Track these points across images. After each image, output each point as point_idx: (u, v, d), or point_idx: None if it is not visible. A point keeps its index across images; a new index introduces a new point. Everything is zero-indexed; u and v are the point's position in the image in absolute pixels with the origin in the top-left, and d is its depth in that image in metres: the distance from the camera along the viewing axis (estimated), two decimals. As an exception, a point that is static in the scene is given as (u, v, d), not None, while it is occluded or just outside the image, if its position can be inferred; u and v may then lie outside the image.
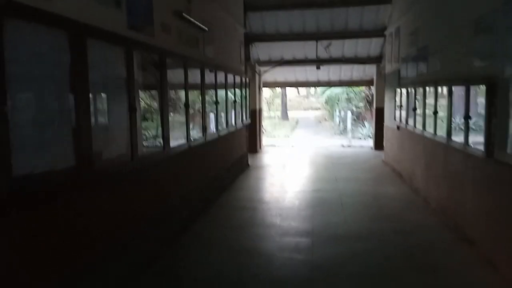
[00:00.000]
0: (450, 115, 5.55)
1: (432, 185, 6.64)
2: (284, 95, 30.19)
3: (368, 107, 19.41)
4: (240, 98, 9.35)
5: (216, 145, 7.28)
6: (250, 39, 11.51)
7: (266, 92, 33.08)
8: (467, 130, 4.87)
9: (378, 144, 13.41)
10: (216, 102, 6.93)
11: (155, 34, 4.53)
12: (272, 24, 11.32)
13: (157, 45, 4.58)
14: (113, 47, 3.71)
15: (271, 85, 15.59)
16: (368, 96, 19.38)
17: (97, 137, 3.33)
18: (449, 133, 5.59)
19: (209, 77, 6.85)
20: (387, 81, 10.93)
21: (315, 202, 7.08)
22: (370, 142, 15.33)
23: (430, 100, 6.72)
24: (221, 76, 7.60)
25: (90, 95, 3.21)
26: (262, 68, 13.43)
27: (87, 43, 3.08)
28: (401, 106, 8.86)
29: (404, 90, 8.66)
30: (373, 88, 14.96)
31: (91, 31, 3.19)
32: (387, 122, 10.82)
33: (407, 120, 8.21)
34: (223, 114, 7.73)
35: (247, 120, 10.20)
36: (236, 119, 8.74)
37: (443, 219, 5.80)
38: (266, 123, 21.46)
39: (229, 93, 8.32)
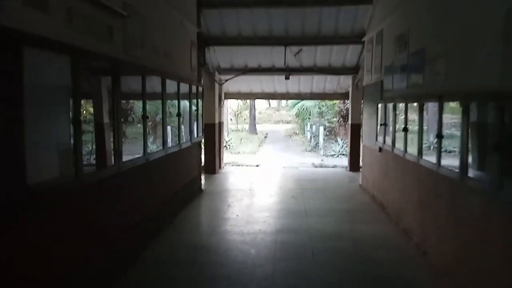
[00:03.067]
0: (466, 141, 3.93)
1: (431, 230, 5.01)
2: (252, 107, 28.51)
3: (342, 122, 17.98)
4: (189, 111, 7.55)
5: (146, 173, 5.42)
6: (207, 41, 9.75)
7: (233, 103, 31.51)
8: (500, 164, 3.25)
9: (354, 165, 11.90)
10: (144, 117, 5.09)
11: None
12: (233, 25, 9.61)
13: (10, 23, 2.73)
14: None
15: (235, 96, 13.85)
16: (342, 111, 17.94)
17: None
18: (464, 166, 3.97)
19: (136, 83, 5.05)
20: (365, 95, 9.40)
21: (277, 251, 5.30)
22: (344, 161, 13.80)
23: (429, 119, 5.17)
24: (158, 83, 5.82)
25: None
26: (224, 77, 11.67)
27: None
28: (385, 124, 7.30)
29: (389, 105, 7.11)
30: (348, 102, 13.49)
31: None
32: (366, 141, 9.25)
33: (394, 142, 6.63)
34: (159, 132, 5.91)
35: (198, 137, 8.38)
36: (180, 137, 6.90)
37: (453, 284, 4.15)
38: (231, 138, 19.68)
39: (170, 104, 6.53)
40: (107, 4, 4.06)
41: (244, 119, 30.94)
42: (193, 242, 5.64)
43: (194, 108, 7.99)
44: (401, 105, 6.35)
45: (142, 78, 5.12)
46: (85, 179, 3.62)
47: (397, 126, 6.55)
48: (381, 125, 7.49)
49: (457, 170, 4.11)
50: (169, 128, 6.74)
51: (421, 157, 5.25)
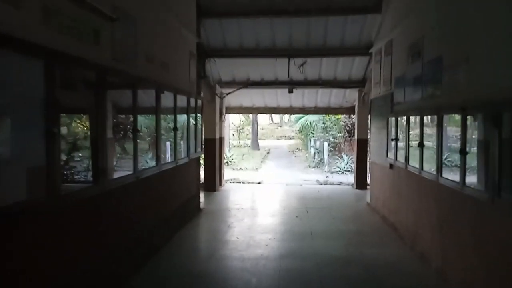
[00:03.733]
0: (498, 156, 3.43)
1: (453, 256, 4.47)
2: (255, 123, 28.07)
3: (348, 137, 17.44)
4: (186, 125, 7.08)
5: (136, 191, 4.93)
6: (208, 53, 9.36)
7: (235, 118, 31.13)
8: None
9: (360, 182, 11.38)
10: (135, 130, 4.62)
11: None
12: (235, 36, 9.23)
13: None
14: None
15: (236, 110, 13.41)
16: (347, 126, 17.42)
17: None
18: (495, 187, 3.46)
19: (126, 97, 4.61)
20: (373, 108, 8.93)
21: (281, 280, 4.75)
22: (350, 178, 13.28)
23: (449, 133, 4.68)
24: (152, 95, 5.38)
25: None
26: (225, 90, 11.26)
27: None
28: (396, 139, 6.80)
29: (401, 119, 6.63)
30: (354, 117, 13.04)
31: None
32: (375, 157, 8.74)
33: (408, 159, 6.12)
34: (152, 147, 5.44)
35: (197, 153, 7.90)
36: (177, 153, 6.42)
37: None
38: (233, 154, 19.19)
39: (166, 118, 6.09)
40: (93, 4, 3.64)
41: (247, 134, 30.49)
42: (188, 268, 5.10)
43: (192, 122, 7.54)
44: (415, 119, 5.87)
45: (133, 88, 4.67)
46: (58, 201, 3.13)
47: (410, 141, 6.06)
48: (392, 140, 6.99)
49: (483, 190, 3.61)
50: (168, 143, 6.32)
51: (441, 175, 4.74)
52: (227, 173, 13.48)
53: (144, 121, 5.64)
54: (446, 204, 4.72)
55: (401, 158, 6.55)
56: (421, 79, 5.64)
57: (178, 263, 5.29)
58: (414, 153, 5.92)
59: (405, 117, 6.33)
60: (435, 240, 5.06)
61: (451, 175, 4.55)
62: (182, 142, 7.05)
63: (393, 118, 7.08)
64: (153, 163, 5.44)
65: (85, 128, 4.16)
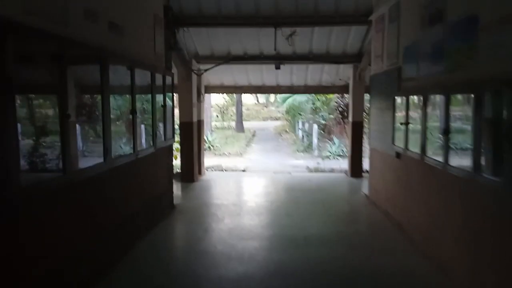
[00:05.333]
0: None
1: (488, 273, 3.34)
2: (239, 103, 26.60)
3: (341, 119, 16.19)
4: (151, 108, 5.75)
5: (72, 196, 3.63)
6: (179, 20, 7.89)
7: (219, 99, 29.66)
8: None
9: (355, 169, 10.25)
10: (63, 117, 3.28)
11: None
12: (212, 0, 7.79)
13: None
14: None
15: (217, 90, 11.98)
16: (340, 106, 16.12)
17: None
18: None
19: (53, 69, 3.26)
20: (374, 87, 7.68)
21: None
22: (342, 164, 12.16)
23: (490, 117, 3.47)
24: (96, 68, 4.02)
25: None
26: (203, 66, 9.85)
27: None
28: (407, 123, 5.59)
29: (413, 99, 5.41)
30: (348, 96, 11.79)
31: None
32: (376, 143, 7.55)
33: (425, 148, 4.92)
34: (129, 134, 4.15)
35: (167, 141, 6.58)
36: (136, 142, 5.08)
37: None
38: (215, 137, 17.85)
39: (121, 99, 4.76)
40: None
41: (231, 115, 29.07)
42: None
43: (160, 103, 6.20)
44: (439, 99, 4.65)
45: (60, 57, 3.30)
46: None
47: (428, 126, 4.86)
48: (401, 124, 5.78)
49: None
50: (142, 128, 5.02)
51: (481, 173, 3.55)
52: (209, 160, 12.21)
53: (87, 103, 4.32)
54: (487, 211, 3.56)
55: (413, 146, 5.36)
56: (444, 46, 4.40)
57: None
58: (434, 142, 4.74)
59: (420, 96, 5.11)
60: (461, 251, 3.94)
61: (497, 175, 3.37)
62: (145, 129, 5.75)
63: (402, 98, 5.86)
64: (99, 159, 4.12)
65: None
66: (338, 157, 14.05)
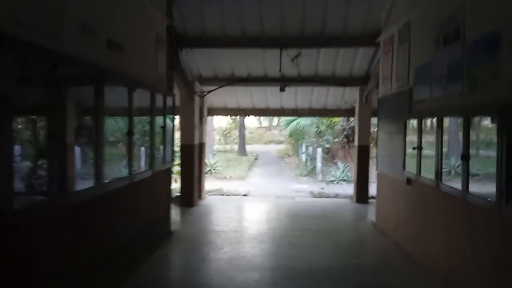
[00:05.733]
0: None
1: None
2: (242, 126, 26.38)
3: (346, 143, 15.86)
4: (150, 129, 5.47)
5: (59, 224, 3.29)
6: (183, 41, 7.73)
7: (222, 121, 29.47)
8: None
9: (361, 195, 9.87)
10: (50, 138, 2.99)
11: None
12: (216, 21, 7.61)
13: None
14: None
15: (219, 112, 11.76)
16: (345, 130, 15.81)
17: None
18: None
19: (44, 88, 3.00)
20: (382, 110, 7.41)
21: None
22: (347, 189, 11.79)
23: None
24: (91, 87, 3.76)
25: None
26: (206, 88, 9.64)
27: None
28: (419, 148, 5.28)
29: (426, 122, 5.13)
30: (353, 120, 11.52)
31: None
32: (384, 168, 7.22)
33: (440, 175, 4.59)
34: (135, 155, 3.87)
35: (165, 163, 6.27)
36: (131, 165, 4.76)
37: None
38: (217, 160, 17.54)
39: (117, 120, 4.49)
40: None
41: (234, 139, 28.79)
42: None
43: (160, 125, 5.94)
44: (457, 122, 4.36)
45: (52, 72, 3.04)
46: None
47: (444, 151, 4.55)
48: (413, 149, 5.47)
49: None
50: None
51: (508, 204, 3.21)
52: (210, 183, 11.86)
53: (87, 124, 4.04)
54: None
55: (427, 172, 5.03)
56: (463, 66, 4.14)
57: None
58: (450, 168, 4.42)
59: (434, 119, 4.82)
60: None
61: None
62: (145, 151, 5.46)
63: (414, 121, 5.58)
64: (90, 183, 3.81)
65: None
66: (342, 182, 13.67)
